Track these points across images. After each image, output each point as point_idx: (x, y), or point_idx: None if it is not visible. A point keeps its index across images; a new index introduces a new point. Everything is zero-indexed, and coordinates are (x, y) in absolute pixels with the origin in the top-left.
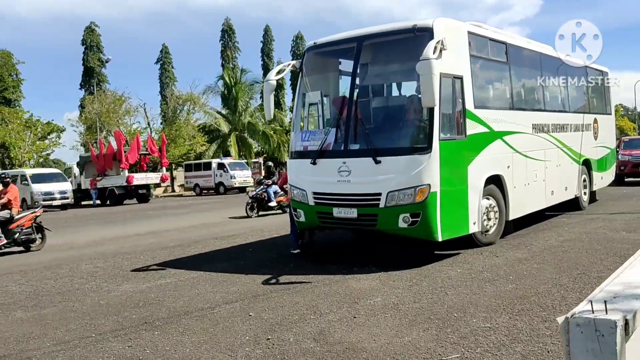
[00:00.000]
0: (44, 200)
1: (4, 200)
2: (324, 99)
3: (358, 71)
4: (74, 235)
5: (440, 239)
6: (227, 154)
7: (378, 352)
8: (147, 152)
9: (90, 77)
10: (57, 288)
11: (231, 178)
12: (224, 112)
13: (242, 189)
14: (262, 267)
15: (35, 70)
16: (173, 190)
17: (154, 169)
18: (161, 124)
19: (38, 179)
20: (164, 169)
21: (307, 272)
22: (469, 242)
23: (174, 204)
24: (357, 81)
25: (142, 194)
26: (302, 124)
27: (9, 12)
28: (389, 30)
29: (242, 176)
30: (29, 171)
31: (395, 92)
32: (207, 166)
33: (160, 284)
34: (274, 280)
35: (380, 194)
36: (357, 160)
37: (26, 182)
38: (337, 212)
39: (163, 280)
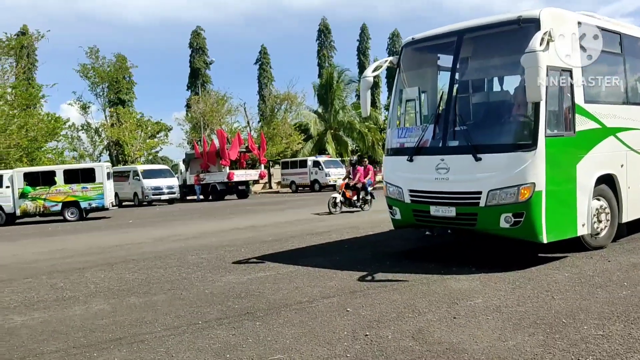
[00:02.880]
0: (153, 194)
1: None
2: (422, 95)
3: (458, 66)
4: (180, 228)
5: (545, 241)
6: (321, 152)
7: (480, 355)
8: (247, 150)
9: (196, 79)
10: (166, 277)
11: (326, 176)
12: (319, 110)
13: (335, 186)
14: (358, 264)
15: (144, 73)
16: (270, 187)
17: (252, 166)
18: (259, 122)
19: (148, 174)
20: (262, 166)
21: (403, 270)
22: (577, 245)
23: (271, 200)
24: (457, 76)
25: (241, 190)
26: (398, 120)
27: (119, 18)
28: (492, 22)
29: (337, 174)
30: (140, 167)
31: (497, 87)
32: (303, 164)
33: (260, 277)
34: (370, 277)
35: (480, 193)
36: (456, 158)
37: (138, 177)
38: (435, 211)
39: (262, 273)
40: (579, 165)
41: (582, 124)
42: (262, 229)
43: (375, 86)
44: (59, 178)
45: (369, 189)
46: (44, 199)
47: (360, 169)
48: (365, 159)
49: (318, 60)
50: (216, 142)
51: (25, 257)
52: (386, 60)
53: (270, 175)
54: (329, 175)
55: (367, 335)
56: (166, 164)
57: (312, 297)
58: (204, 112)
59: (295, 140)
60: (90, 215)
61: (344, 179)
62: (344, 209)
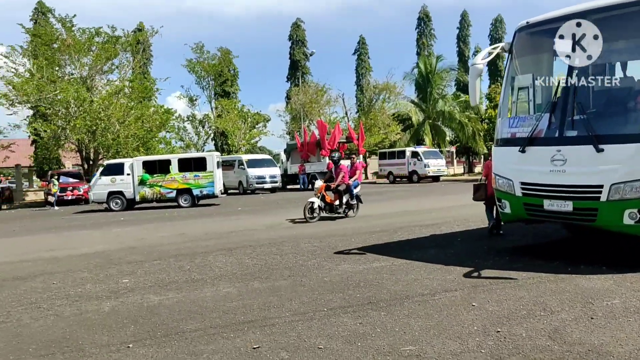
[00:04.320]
0: (256, 183)
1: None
2: (536, 82)
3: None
4: (287, 216)
5: None
6: (419, 142)
7: (627, 358)
8: (347, 140)
9: (296, 70)
10: (284, 263)
11: (425, 167)
12: (416, 100)
13: (435, 178)
14: (475, 257)
15: (245, 65)
16: (366, 177)
17: (348, 156)
18: (357, 113)
19: (252, 164)
20: (361, 156)
21: (525, 267)
22: None
23: (370, 191)
24: None
25: None
26: (510, 109)
27: (220, 12)
28: (619, 2)
29: (436, 165)
30: (245, 157)
31: (620, 73)
32: (401, 154)
33: (376, 267)
34: (491, 272)
35: (601, 186)
36: (574, 148)
37: (243, 166)
38: (549, 205)
39: (378, 263)
40: None
41: None
42: (369, 219)
43: None
44: (174, 166)
45: (356, 191)
46: (161, 186)
47: (344, 166)
48: (354, 155)
49: (417, 49)
50: (316, 132)
51: (151, 241)
52: (497, 47)
53: (366, 166)
54: (428, 166)
55: (498, 331)
56: (264, 153)
57: (432, 289)
58: (303, 103)
59: (393, 130)
60: (202, 202)
61: (325, 180)
62: (323, 214)
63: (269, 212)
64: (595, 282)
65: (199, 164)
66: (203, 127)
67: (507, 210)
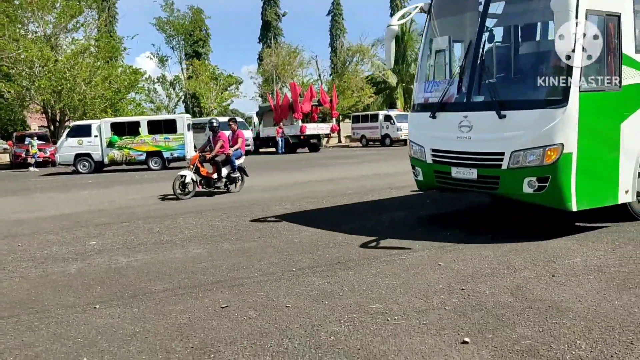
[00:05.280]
0: None
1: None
2: (453, 45)
3: (488, 11)
4: (259, 179)
5: (574, 209)
6: (392, 106)
7: (586, 314)
8: (319, 103)
9: (268, 31)
10: (254, 225)
11: (397, 130)
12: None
13: (407, 141)
14: (444, 219)
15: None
16: (339, 141)
17: (323, 120)
18: (331, 75)
19: (224, 127)
20: (334, 119)
21: (490, 227)
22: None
23: (344, 154)
24: (486, 23)
25: (313, 144)
26: (427, 73)
27: None
28: None
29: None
30: (219, 119)
31: (529, 36)
32: (374, 118)
33: (347, 228)
34: (457, 232)
35: (503, 154)
36: (479, 114)
37: None
38: (456, 172)
39: (348, 225)
40: (624, 124)
41: (630, 77)
42: (340, 181)
43: None
44: (143, 128)
45: (239, 162)
46: (130, 148)
47: (223, 134)
48: (233, 121)
49: (391, 11)
50: (289, 95)
51: (120, 203)
52: (416, 7)
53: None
54: (401, 130)
55: (463, 289)
56: (237, 116)
57: (400, 249)
58: (276, 65)
59: (366, 93)
60: (172, 165)
61: (200, 149)
62: (199, 190)
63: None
64: (558, 242)
65: (169, 127)
66: (174, 89)
67: (420, 177)
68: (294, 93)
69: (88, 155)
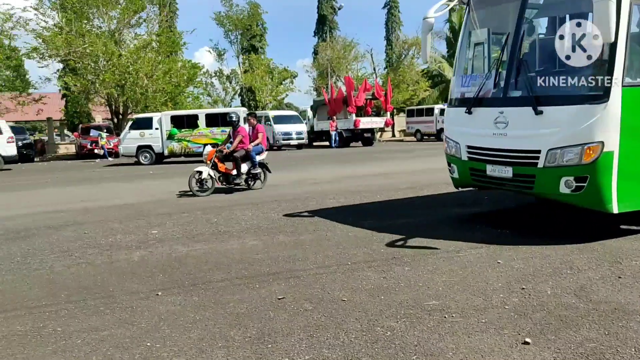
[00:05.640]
0: (283, 139)
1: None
2: (492, 37)
3: (528, 2)
4: (314, 172)
5: (615, 211)
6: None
7: None
8: (373, 97)
9: (323, 25)
10: (309, 218)
11: None
12: (447, 56)
13: None
14: (502, 215)
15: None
16: (393, 135)
17: (377, 113)
18: (385, 69)
19: (279, 120)
20: (388, 113)
21: (549, 226)
22: None
23: (398, 148)
24: (526, 15)
25: (367, 138)
26: (465, 66)
27: None
28: None
29: None
30: (271, 113)
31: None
32: (429, 112)
33: (401, 223)
34: (516, 230)
35: (539, 151)
36: (516, 110)
37: (269, 122)
38: (491, 170)
39: (403, 219)
40: None
41: None
42: (395, 176)
43: None
44: (201, 121)
45: (260, 158)
46: (189, 141)
47: (243, 129)
48: (253, 116)
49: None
50: (343, 89)
51: (170, 195)
52: None
53: (393, 124)
54: None
55: (523, 288)
56: (291, 110)
57: (458, 246)
58: (331, 58)
59: (422, 87)
60: None
61: (223, 144)
62: (218, 186)
63: (295, 168)
64: (623, 242)
65: (226, 120)
66: (230, 82)
67: (455, 175)
68: (349, 87)
69: (149, 147)
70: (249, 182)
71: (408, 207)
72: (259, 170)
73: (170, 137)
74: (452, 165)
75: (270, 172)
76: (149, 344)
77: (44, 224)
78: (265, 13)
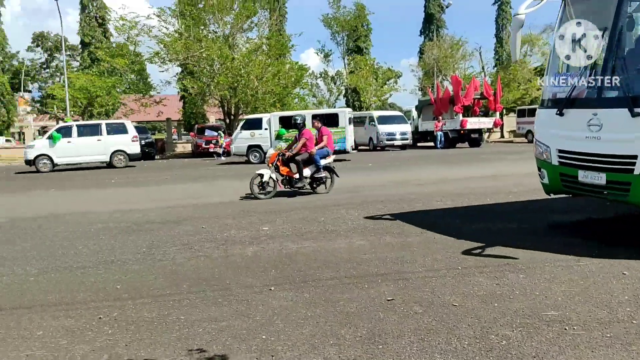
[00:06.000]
0: (387, 140)
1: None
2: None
3: None
4: (418, 173)
5: None
6: None
7: None
8: (481, 97)
9: (430, 24)
10: (416, 219)
11: None
12: None
13: None
14: (616, 223)
15: (376, 18)
16: (502, 136)
17: (485, 114)
18: (495, 67)
19: (383, 120)
20: (497, 113)
21: None
22: None
23: (507, 150)
24: (625, 9)
25: (474, 139)
26: (559, 65)
27: None
28: None
29: None
30: (376, 113)
31: None
32: None
33: (514, 228)
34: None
35: (635, 157)
36: (610, 112)
37: (373, 123)
38: (583, 176)
39: (515, 224)
40: None
41: None
42: (504, 178)
43: None
44: (308, 122)
45: (324, 162)
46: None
47: (308, 131)
48: (317, 119)
49: None
50: (450, 88)
51: (287, 192)
52: None
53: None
54: None
55: None
56: (394, 110)
57: (574, 253)
58: (437, 57)
59: (534, 86)
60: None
61: (287, 147)
62: (281, 189)
63: (399, 169)
64: None
65: (331, 120)
66: (335, 83)
67: (545, 180)
68: (456, 86)
69: (258, 146)
70: (314, 186)
71: (519, 211)
72: (323, 174)
73: (278, 137)
74: (542, 170)
75: (338, 176)
76: (264, 336)
77: (165, 218)
78: (372, 14)
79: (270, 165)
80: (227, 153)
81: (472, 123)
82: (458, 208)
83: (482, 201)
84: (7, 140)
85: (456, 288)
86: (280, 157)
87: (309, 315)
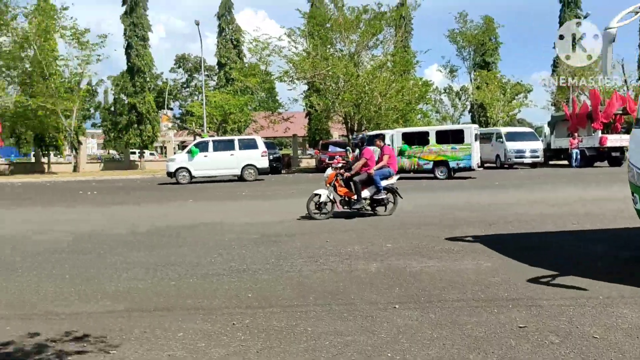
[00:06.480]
0: (515, 157)
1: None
2: None
3: None
4: (551, 193)
5: None
6: None
7: None
8: (624, 112)
9: None
10: (547, 241)
11: None
12: None
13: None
14: None
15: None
16: None
17: (627, 130)
18: (638, 80)
19: (511, 137)
20: None
21: None
22: None
23: None
24: None
25: (614, 157)
26: None
27: None
28: None
29: None
30: (503, 129)
31: None
32: None
33: None
34: None
35: None
36: None
37: (501, 139)
38: None
39: None
40: None
41: None
42: None
43: None
44: (432, 138)
45: (385, 183)
46: (418, 157)
47: (369, 151)
48: (380, 138)
49: None
50: (587, 103)
51: (408, 208)
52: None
53: None
54: None
55: None
56: (524, 126)
57: None
58: (574, 70)
59: None
60: (457, 174)
61: (341, 167)
62: (338, 210)
63: (530, 188)
64: None
65: (456, 136)
66: (459, 99)
67: (638, 206)
68: (594, 100)
69: None
70: (375, 208)
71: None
72: (383, 195)
73: (401, 153)
74: (634, 195)
75: (401, 197)
76: (389, 354)
77: (291, 230)
78: (502, 27)
79: (328, 185)
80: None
81: (613, 140)
82: (597, 231)
83: (626, 223)
84: (151, 154)
85: (597, 319)
86: (338, 177)
87: (435, 337)
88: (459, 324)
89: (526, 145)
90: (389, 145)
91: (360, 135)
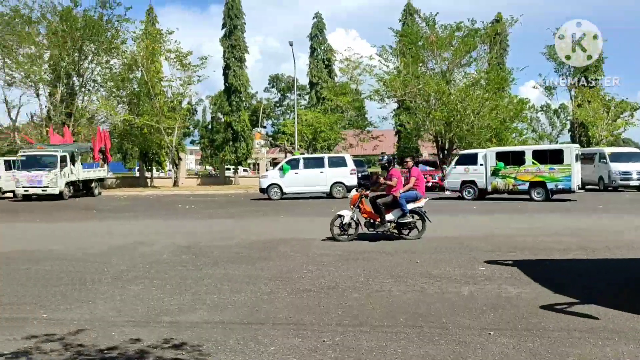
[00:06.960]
0: (620, 179)
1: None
2: None
3: None
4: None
5: None
6: None
7: None
8: None
9: None
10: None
11: None
12: None
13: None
14: None
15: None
16: None
17: None
18: None
19: (616, 158)
20: None
21: None
22: None
23: None
24: None
25: None
26: None
27: None
28: None
29: None
30: (607, 150)
31: None
32: None
33: None
34: None
35: None
36: None
37: (604, 160)
38: None
39: None
40: None
41: None
42: None
43: None
44: (528, 158)
45: (412, 206)
46: (514, 178)
47: (396, 172)
48: (410, 158)
49: None
50: None
51: (499, 231)
52: None
53: None
54: None
55: None
56: (630, 146)
57: None
58: None
59: None
60: (556, 197)
61: (366, 188)
62: (362, 231)
63: (636, 212)
64: None
65: (555, 157)
66: (558, 117)
67: None
68: None
69: (473, 182)
70: (402, 231)
71: None
72: (409, 219)
73: (495, 173)
74: None
75: (430, 221)
76: None
77: (380, 248)
78: (605, 41)
79: (352, 206)
80: (440, 187)
81: None
82: None
83: None
84: (244, 170)
85: None
86: (362, 199)
87: None
88: (559, 355)
89: (633, 167)
90: (417, 167)
91: (386, 157)
